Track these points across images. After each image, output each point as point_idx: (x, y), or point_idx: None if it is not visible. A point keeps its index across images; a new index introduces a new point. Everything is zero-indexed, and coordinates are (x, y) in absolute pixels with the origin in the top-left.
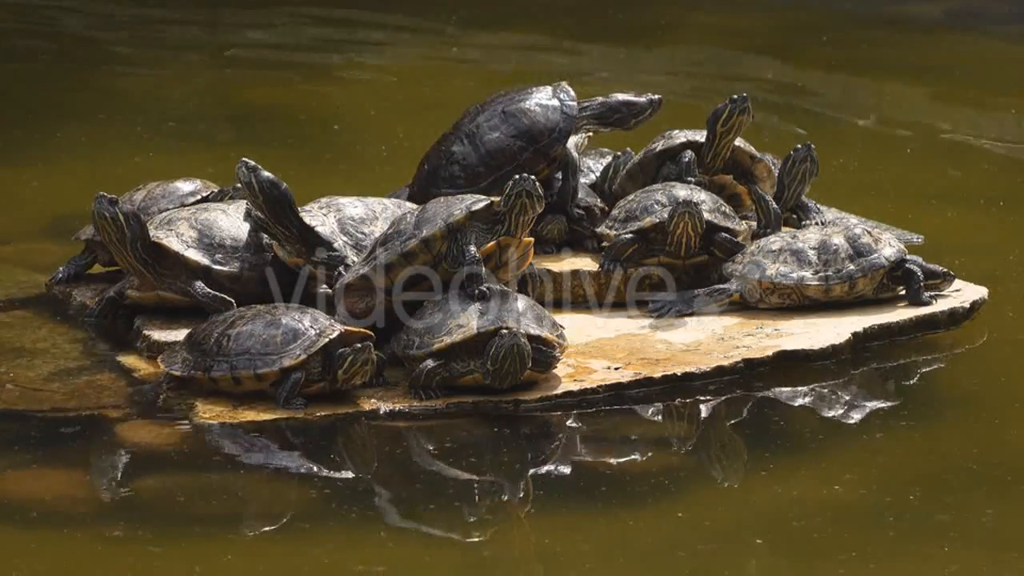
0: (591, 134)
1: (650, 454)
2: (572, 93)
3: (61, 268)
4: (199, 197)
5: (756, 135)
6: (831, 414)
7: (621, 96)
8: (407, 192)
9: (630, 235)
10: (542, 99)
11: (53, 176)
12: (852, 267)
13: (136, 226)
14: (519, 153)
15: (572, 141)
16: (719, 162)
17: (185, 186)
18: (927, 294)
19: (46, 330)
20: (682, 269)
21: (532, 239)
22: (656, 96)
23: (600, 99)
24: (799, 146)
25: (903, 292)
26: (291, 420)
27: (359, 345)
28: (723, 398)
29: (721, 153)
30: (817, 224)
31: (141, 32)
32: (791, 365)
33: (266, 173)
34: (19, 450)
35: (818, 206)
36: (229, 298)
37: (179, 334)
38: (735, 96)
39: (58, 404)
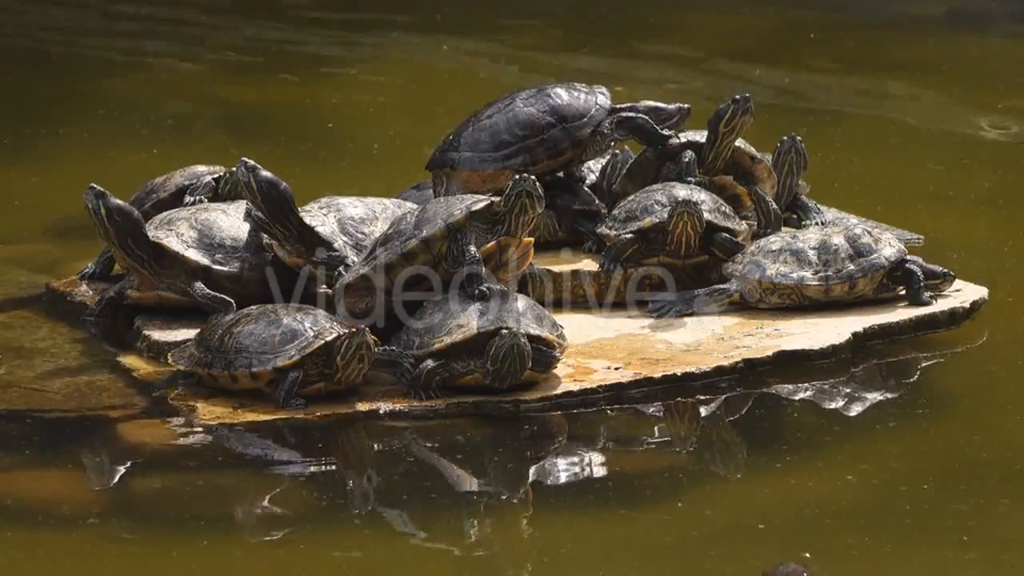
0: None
1: (651, 453)
2: (609, 95)
3: (90, 264)
4: (213, 176)
5: (749, 135)
6: (836, 410)
7: (650, 102)
8: (412, 194)
9: (630, 235)
10: (581, 90)
11: (54, 175)
12: (852, 267)
13: (122, 221)
14: (547, 128)
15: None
16: (720, 163)
17: (201, 168)
18: (927, 294)
19: (46, 330)
20: (682, 269)
21: (532, 239)
22: (685, 105)
23: (628, 104)
24: (784, 138)
25: (903, 292)
26: (291, 420)
27: (353, 330)
28: (724, 397)
29: (722, 154)
30: (817, 224)
31: (141, 31)
32: (791, 365)
33: (265, 172)
34: (19, 450)
35: (818, 206)
36: (229, 298)
37: (179, 334)
38: (738, 96)
39: (58, 404)
